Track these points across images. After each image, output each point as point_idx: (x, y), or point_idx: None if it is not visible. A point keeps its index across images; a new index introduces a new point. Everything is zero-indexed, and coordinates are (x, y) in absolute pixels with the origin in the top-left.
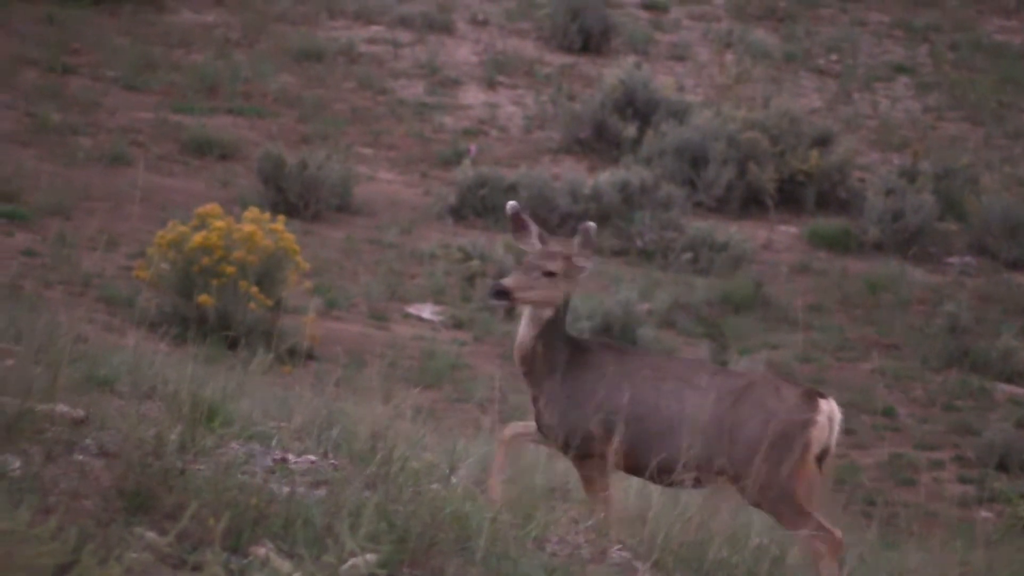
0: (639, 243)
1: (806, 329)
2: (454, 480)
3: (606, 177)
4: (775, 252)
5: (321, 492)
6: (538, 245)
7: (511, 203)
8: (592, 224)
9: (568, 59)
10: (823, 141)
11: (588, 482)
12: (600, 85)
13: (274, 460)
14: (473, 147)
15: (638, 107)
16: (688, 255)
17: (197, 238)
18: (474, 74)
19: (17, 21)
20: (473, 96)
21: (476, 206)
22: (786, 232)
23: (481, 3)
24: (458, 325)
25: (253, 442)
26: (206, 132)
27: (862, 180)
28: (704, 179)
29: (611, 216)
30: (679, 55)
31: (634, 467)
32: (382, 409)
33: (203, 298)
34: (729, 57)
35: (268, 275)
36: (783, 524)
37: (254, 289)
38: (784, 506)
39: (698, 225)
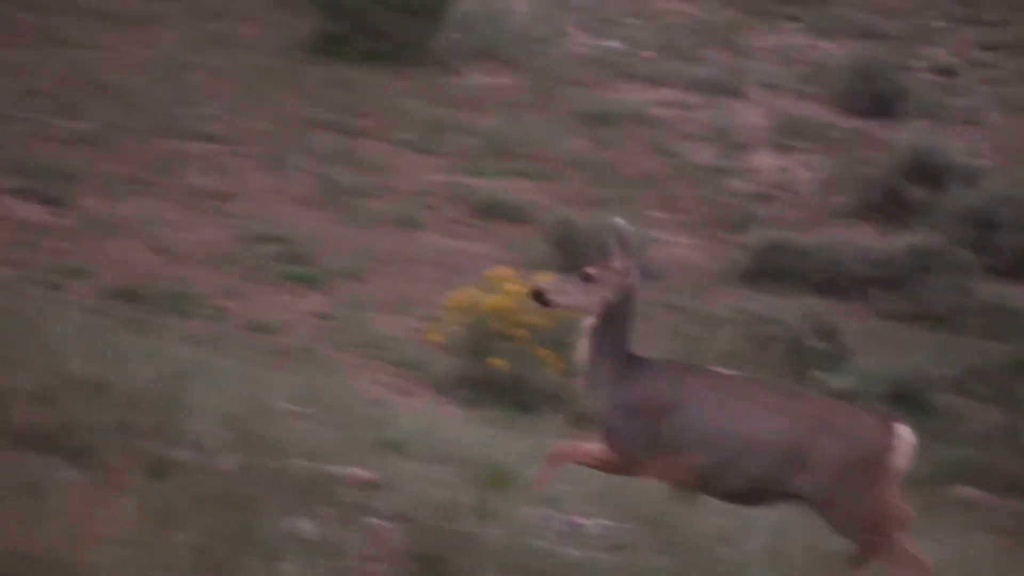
0: (931, 307)
1: None
2: (746, 546)
3: (898, 241)
4: None
5: (615, 557)
6: (615, 256)
7: (617, 221)
8: (621, 221)
9: (859, 123)
10: None
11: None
12: (891, 149)
13: (567, 525)
14: (762, 213)
15: (929, 171)
16: (981, 320)
17: (489, 301)
18: (764, 137)
19: (310, 84)
20: (763, 160)
21: (768, 270)
22: None
23: (771, 67)
24: None
25: (545, 506)
26: (497, 195)
27: None
28: (996, 243)
29: (902, 280)
30: (970, 119)
31: (705, 487)
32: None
33: (495, 361)
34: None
35: (560, 338)
36: (867, 551)
37: (546, 353)
38: (866, 530)
39: (991, 289)
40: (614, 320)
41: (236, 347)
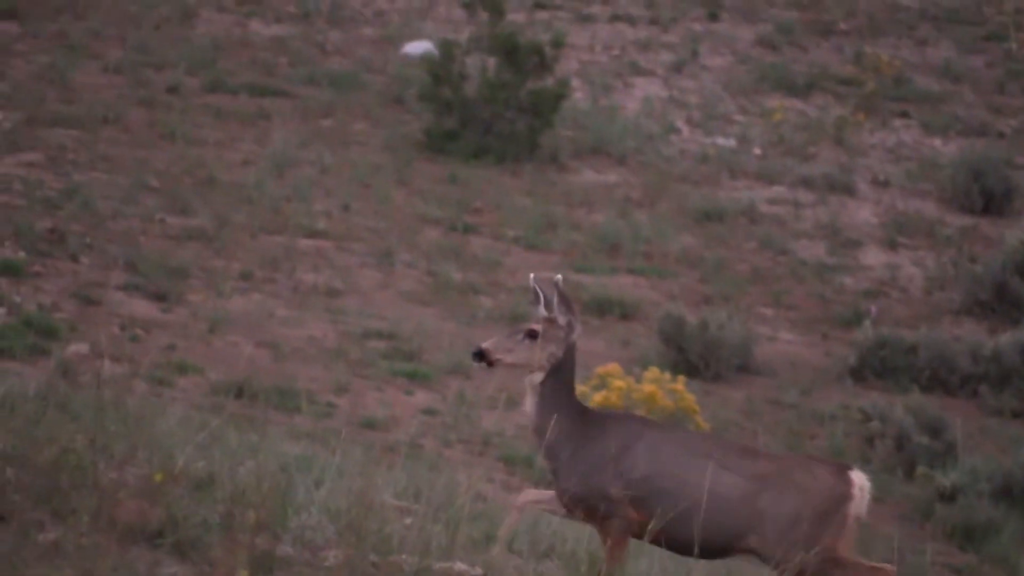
0: None
1: None
2: None
3: (1007, 338)
4: None
5: None
6: (543, 313)
7: (533, 276)
8: (560, 277)
9: (969, 220)
10: None
11: (614, 548)
12: (1001, 246)
13: None
14: (874, 308)
15: None
16: None
17: (598, 397)
18: (875, 235)
19: (420, 180)
20: (874, 257)
21: (876, 367)
22: None
23: (882, 164)
24: None
25: None
26: (607, 292)
27: None
28: None
29: (1011, 377)
30: None
31: (657, 539)
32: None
33: None
34: None
35: None
36: None
37: None
38: (830, 566)
39: None
40: (560, 376)
41: (343, 443)
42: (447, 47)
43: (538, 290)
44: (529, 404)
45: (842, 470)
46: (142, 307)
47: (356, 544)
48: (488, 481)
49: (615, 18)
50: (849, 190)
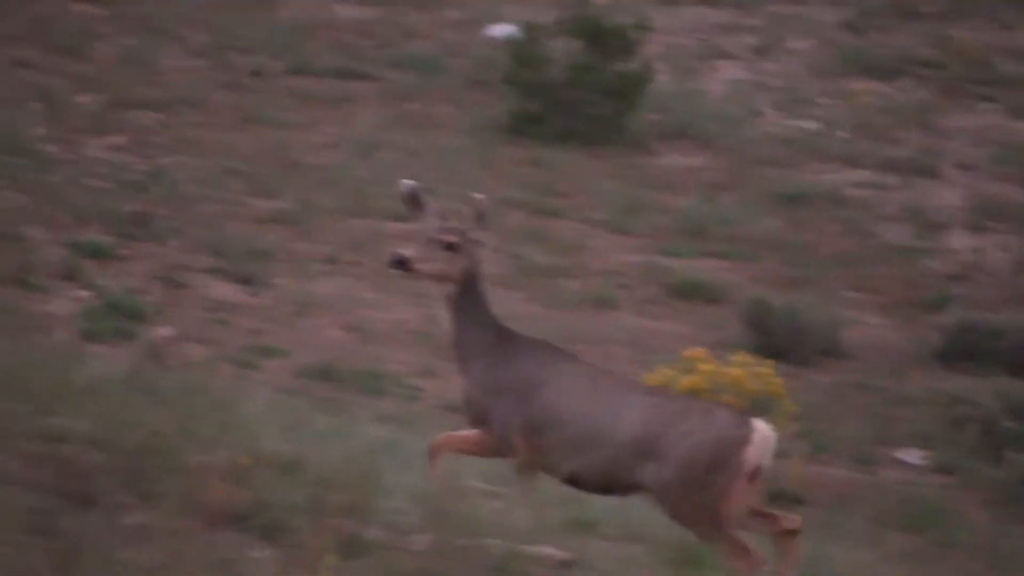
0: None
1: None
2: None
3: None
4: None
5: None
6: (436, 222)
7: (406, 182)
8: (483, 196)
9: None
10: None
11: (473, 449)
12: None
13: None
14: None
15: None
16: None
17: (685, 382)
18: (960, 218)
19: (504, 164)
20: (959, 240)
21: (962, 351)
22: None
23: (966, 147)
24: (945, 470)
25: None
26: (691, 275)
27: None
28: None
29: None
30: None
31: (549, 468)
32: (868, 553)
33: None
34: None
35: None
36: (700, 538)
37: None
38: (704, 524)
39: None
40: (474, 289)
41: (429, 426)
42: (531, 30)
43: (424, 201)
44: (446, 319)
45: (744, 416)
46: (228, 290)
47: (443, 528)
48: None
49: (699, 1)
50: (934, 173)
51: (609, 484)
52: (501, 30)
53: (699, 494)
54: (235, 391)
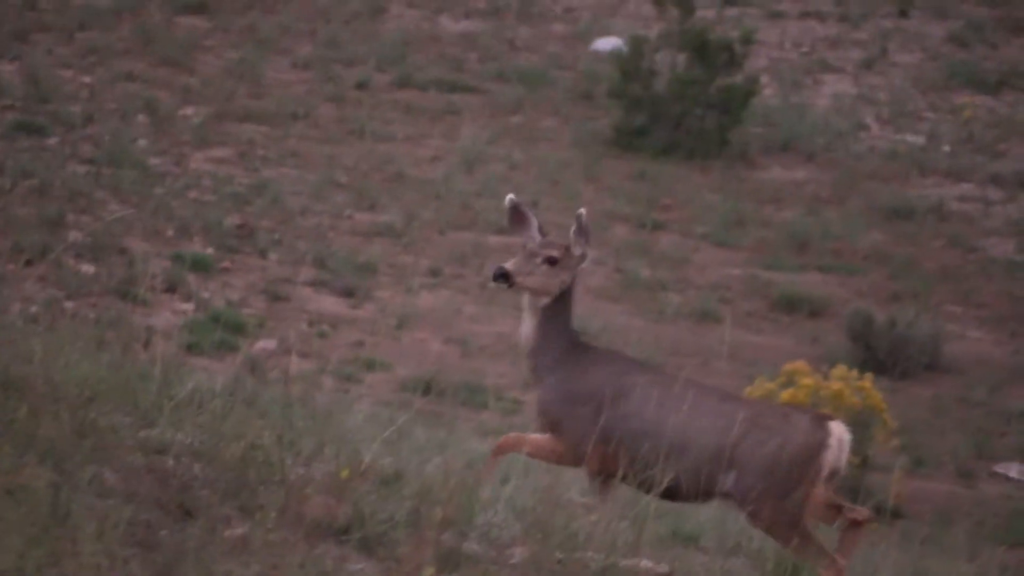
0: None
1: None
2: None
3: None
4: None
5: None
6: (538, 236)
7: (510, 196)
8: (584, 211)
9: None
10: None
11: (545, 456)
12: None
13: None
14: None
15: None
16: None
17: (785, 395)
18: None
19: (609, 177)
20: None
21: None
22: None
23: None
24: None
25: None
26: (796, 289)
27: None
28: None
29: None
30: None
31: (632, 480)
32: (968, 568)
33: None
34: None
35: (855, 432)
36: (785, 547)
37: None
38: (790, 530)
39: None
40: (563, 302)
41: None
42: (637, 43)
43: (527, 215)
44: (527, 327)
45: (821, 419)
46: (330, 303)
47: (542, 541)
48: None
49: (805, 14)
50: None
51: (692, 493)
52: (606, 43)
53: (780, 499)
54: (336, 404)
